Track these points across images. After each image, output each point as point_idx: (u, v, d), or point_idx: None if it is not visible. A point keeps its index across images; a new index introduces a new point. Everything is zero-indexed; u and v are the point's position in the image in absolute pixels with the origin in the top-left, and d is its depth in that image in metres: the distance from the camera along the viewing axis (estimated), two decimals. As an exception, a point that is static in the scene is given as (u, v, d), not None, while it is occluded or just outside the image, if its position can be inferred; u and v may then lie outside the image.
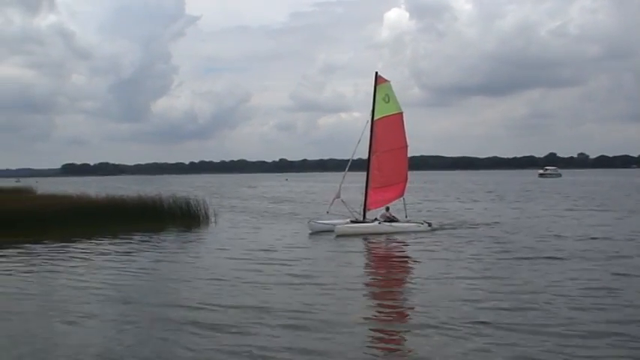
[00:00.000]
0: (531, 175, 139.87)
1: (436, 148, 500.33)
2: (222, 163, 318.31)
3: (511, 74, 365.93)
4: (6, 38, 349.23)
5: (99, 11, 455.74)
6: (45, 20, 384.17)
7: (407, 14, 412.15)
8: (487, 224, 29.72)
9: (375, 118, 28.60)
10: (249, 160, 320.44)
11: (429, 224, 27.76)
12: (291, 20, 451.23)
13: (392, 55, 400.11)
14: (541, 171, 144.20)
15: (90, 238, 25.18)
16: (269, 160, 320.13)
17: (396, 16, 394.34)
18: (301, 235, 27.26)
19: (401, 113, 29.13)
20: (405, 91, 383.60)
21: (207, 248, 23.17)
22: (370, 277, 18.25)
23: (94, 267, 18.68)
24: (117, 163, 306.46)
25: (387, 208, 28.39)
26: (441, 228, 28.03)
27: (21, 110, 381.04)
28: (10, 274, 17.52)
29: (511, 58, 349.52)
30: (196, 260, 20.22)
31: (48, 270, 18.29)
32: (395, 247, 24.07)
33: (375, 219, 27.69)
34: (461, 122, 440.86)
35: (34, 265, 19.29)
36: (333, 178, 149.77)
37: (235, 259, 19.93)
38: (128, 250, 22.29)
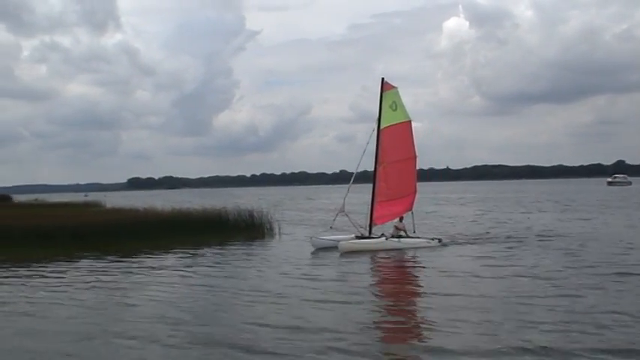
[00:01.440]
0: (599, 183, 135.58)
1: (498, 157, 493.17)
2: (283, 175, 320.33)
3: (575, 81, 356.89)
4: (75, 57, 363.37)
5: (162, 29, 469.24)
6: (111, 39, 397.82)
7: (466, 23, 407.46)
8: (559, 235, 28.51)
9: (382, 127, 26.93)
10: (309, 172, 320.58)
11: (440, 240, 26.18)
12: (350, 32, 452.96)
13: (451, 64, 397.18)
14: (609, 179, 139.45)
15: (156, 251, 25.45)
16: (329, 171, 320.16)
17: (456, 25, 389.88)
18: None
19: (409, 121, 27.56)
20: (465, 100, 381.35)
21: (269, 262, 22.60)
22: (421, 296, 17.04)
23: (156, 282, 18.50)
24: (180, 176, 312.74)
25: (401, 219, 26.64)
26: (455, 243, 26.57)
27: (89, 127, 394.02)
28: (73, 287, 17.72)
29: (575, 64, 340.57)
30: (259, 275, 19.91)
31: (112, 282, 18.51)
32: (445, 261, 22.49)
33: (382, 234, 26.16)
34: (523, 130, 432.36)
35: (104, 277, 19.52)
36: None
37: (297, 275, 19.35)
38: (191, 264, 22.13)
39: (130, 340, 11.48)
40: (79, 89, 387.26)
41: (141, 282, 18.62)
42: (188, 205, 38.18)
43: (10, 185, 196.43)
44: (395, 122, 27.08)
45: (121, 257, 23.88)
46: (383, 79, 27.41)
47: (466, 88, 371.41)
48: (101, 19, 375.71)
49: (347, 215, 26.82)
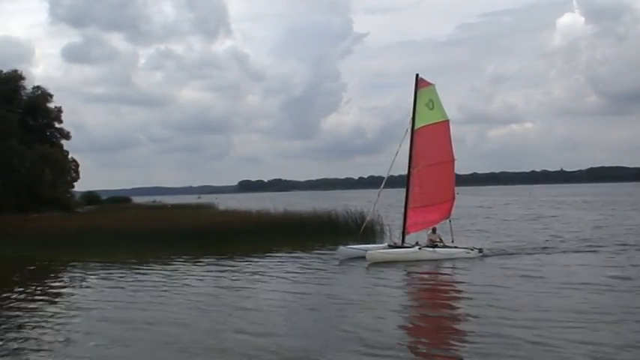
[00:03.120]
0: None
1: (616, 159, 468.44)
2: (391, 177, 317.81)
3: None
4: (188, 64, 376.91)
5: (271, 34, 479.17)
6: (222, 46, 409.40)
7: (582, 19, 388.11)
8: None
9: (416, 127, 24.91)
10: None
11: (480, 250, 23.93)
12: (458, 32, 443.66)
13: (565, 62, 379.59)
14: None
15: (269, 253, 25.67)
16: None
17: (570, 21, 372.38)
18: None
19: (447, 121, 25.36)
20: (580, 100, 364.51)
21: (379, 267, 21.90)
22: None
23: (258, 287, 18.34)
24: (289, 179, 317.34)
25: (434, 230, 24.66)
26: (494, 254, 24.18)
27: (201, 131, 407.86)
28: (191, 287, 18.09)
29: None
30: (370, 280, 19.60)
31: (229, 286, 18.64)
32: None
33: (416, 243, 24.13)
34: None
35: (219, 279, 19.83)
36: (507, 191, 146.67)
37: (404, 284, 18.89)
38: (300, 269, 21.84)
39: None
40: (191, 95, 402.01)
41: (257, 286, 18.59)
42: (298, 208, 38.55)
43: (130, 188, 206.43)
44: (431, 122, 25.08)
45: (236, 258, 24.35)
46: (417, 75, 25.57)
47: (581, 87, 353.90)
48: (212, 26, 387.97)
49: (372, 223, 25.25)
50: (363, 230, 26.93)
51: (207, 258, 24.54)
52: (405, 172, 25.22)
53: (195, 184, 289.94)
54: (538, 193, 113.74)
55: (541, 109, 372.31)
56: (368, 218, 25.77)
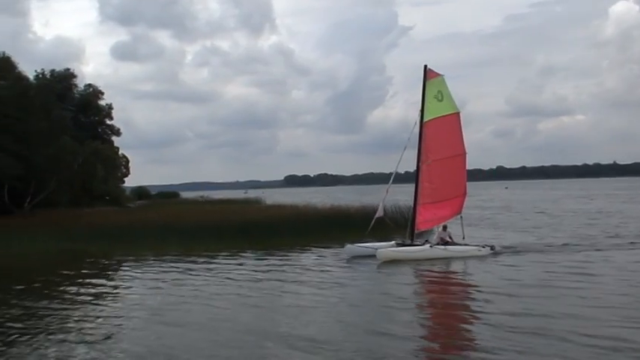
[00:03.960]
0: None
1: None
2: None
3: None
4: (233, 60, 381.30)
5: (316, 29, 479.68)
6: (267, 41, 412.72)
7: (636, 7, 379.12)
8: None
9: (425, 120, 23.99)
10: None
11: (492, 247, 23.06)
12: (506, 23, 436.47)
13: (619, 52, 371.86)
14: None
15: (317, 247, 25.82)
16: (485, 167, 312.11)
17: (624, 9, 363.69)
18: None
19: (457, 113, 24.52)
20: (635, 90, 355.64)
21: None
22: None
23: (307, 281, 18.20)
24: (335, 173, 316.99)
25: (445, 227, 23.87)
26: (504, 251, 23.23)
27: (247, 126, 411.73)
28: (238, 282, 18.24)
29: None
30: (417, 279, 19.46)
31: (274, 279, 18.61)
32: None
33: (426, 241, 23.57)
34: None
35: (267, 273, 19.94)
36: (557, 185, 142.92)
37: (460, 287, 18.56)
38: (348, 265, 21.72)
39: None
40: (237, 90, 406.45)
41: (303, 280, 18.60)
42: (345, 202, 38.51)
43: (178, 183, 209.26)
44: (441, 114, 24.18)
45: (283, 252, 24.49)
46: (426, 66, 24.61)
47: (636, 77, 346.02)
48: (257, 22, 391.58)
49: (386, 220, 24.33)
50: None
51: (255, 252, 24.82)
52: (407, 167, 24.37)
53: (242, 179, 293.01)
54: (590, 187, 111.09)
55: (593, 100, 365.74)
56: (377, 215, 24.60)
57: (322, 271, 20.14)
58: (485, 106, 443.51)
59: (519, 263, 20.66)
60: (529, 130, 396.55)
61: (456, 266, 21.25)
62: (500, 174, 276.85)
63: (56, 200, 47.58)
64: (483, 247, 23.09)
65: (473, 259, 21.80)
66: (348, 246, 23.28)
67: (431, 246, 22.71)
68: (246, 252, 24.83)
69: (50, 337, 11.77)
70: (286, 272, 20.00)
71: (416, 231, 23.90)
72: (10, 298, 16.23)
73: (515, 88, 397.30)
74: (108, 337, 11.66)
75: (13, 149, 42.77)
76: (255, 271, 20.41)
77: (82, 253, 25.74)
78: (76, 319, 13.56)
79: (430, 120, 24.05)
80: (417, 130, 24.11)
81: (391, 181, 25.62)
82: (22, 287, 18.26)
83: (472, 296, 15.59)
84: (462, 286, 18.04)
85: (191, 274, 19.86)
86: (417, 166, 24.10)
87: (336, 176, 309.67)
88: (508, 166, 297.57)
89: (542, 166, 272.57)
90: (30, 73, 55.47)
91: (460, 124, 24.59)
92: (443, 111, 24.27)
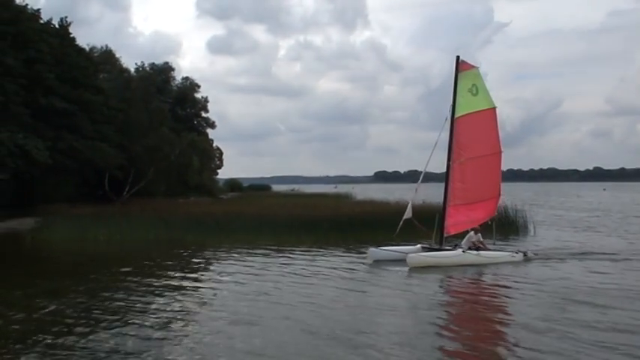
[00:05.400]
0: None
1: None
2: (531, 171, 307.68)
3: None
4: (326, 55, 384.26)
5: (410, 24, 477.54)
6: (360, 37, 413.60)
7: None
8: None
9: (457, 116, 22.18)
10: (559, 168, 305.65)
11: (525, 253, 21.39)
12: (609, 20, 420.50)
13: None
14: None
15: (407, 243, 25.28)
16: (582, 168, 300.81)
17: None
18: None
19: (494, 109, 22.60)
20: None
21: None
22: None
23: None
24: (426, 170, 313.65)
25: (476, 231, 21.72)
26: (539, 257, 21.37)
27: (338, 121, 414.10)
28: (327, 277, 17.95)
29: None
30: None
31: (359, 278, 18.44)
32: None
33: (456, 245, 21.59)
34: None
35: (356, 267, 19.78)
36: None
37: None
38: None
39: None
40: (329, 85, 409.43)
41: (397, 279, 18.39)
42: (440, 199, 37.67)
43: (269, 176, 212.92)
44: (475, 110, 22.36)
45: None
46: (458, 57, 22.97)
47: None
48: (350, 17, 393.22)
49: (414, 222, 22.31)
50: (506, 224, 25.46)
51: (346, 246, 24.57)
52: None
53: (332, 174, 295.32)
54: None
55: None
56: (405, 217, 22.48)
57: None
58: (583, 105, 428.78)
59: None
60: (629, 131, 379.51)
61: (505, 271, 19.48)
62: (597, 175, 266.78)
63: (153, 190, 49.26)
64: (516, 252, 21.57)
65: (507, 265, 20.24)
66: (372, 249, 21.51)
67: (463, 251, 21.02)
68: (337, 246, 24.67)
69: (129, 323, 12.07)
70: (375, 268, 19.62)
71: (445, 234, 22.23)
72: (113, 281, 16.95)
73: (616, 86, 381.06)
74: (204, 331, 11.68)
75: (114, 140, 44.60)
76: (346, 266, 20.10)
77: (179, 242, 26.33)
78: (155, 307, 13.73)
79: (463, 115, 22.36)
80: (447, 125, 22.48)
81: (419, 181, 24.65)
82: (128, 270, 19.49)
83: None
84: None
85: (283, 267, 19.81)
86: (448, 165, 22.64)
87: (428, 173, 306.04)
88: (606, 167, 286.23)
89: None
90: (130, 67, 57.54)
91: (496, 120, 22.83)
92: (478, 106, 22.51)
